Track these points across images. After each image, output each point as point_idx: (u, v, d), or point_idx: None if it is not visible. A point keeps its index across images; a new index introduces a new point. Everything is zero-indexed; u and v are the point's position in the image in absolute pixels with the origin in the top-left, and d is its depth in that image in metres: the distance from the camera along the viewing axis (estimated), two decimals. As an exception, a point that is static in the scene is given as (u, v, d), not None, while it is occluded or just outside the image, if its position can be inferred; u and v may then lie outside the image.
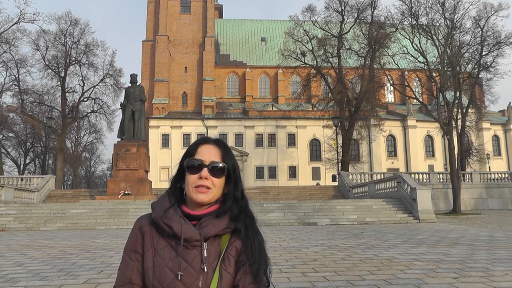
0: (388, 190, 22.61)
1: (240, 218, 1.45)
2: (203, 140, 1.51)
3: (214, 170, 1.43)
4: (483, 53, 29.73)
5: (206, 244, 1.39)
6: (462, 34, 29.84)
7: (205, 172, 1.41)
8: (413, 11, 28.13)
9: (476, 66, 30.13)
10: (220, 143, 1.50)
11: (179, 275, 1.34)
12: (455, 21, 28.62)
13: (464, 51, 29.79)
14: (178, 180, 1.50)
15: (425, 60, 27.65)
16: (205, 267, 1.36)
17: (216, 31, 62.39)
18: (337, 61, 36.62)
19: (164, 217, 1.41)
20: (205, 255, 1.37)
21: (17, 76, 42.10)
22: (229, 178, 1.48)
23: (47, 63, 43.02)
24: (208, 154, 1.44)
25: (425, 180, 29.41)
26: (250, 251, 1.42)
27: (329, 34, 36.70)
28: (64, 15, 44.56)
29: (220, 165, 1.44)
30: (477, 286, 5.53)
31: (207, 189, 1.41)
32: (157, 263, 1.39)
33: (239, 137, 52.49)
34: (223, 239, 1.43)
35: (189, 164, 1.44)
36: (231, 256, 1.41)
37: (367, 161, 50.29)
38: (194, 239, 1.37)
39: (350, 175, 31.23)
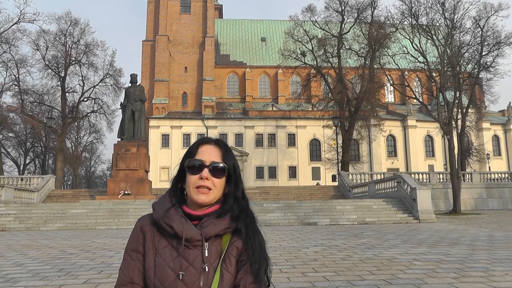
0: (388, 190, 22.61)
1: (240, 218, 1.45)
2: (203, 140, 1.51)
3: (215, 171, 1.43)
4: (483, 53, 29.74)
5: (207, 244, 1.39)
6: (462, 34, 29.86)
7: (205, 172, 1.42)
8: (413, 11, 28.14)
9: (476, 66, 30.13)
10: (220, 143, 1.50)
11: (181, 274, 1.35)
12: (455, 21, 28.62)
13: (464, 51, 29.79)
14: (179, 180, 1.50)
15: (425, 60, 27.65)
16: (207, 267, 1.37)
17: (216, 31, 62.38)
18: (337, 61, 36.62)
19: (165, 217, 1.42)
20: (206, 254, 1.38)
21: (17, 76, 42.11)
22: (230, 178, 1.49)
23: (47, 63, 43.03)
24: (209, 155, 1.45)
25: (425, 180, 29.40)
26: (250, 251, 1.42)
27: (329, 34, 36.70)
28: (64, 15, 44.61)
29: (221, 165, 1.44)
30: (477, 286, 5.53)
31: (208, 190, 1.42)
32: (158, 262, 1.39)
33: (239, 137, 52.49)
34: (224, 239, 1.44)
35: (189, 165, 1.44)
36: (232, 256, 1.41)
37: (367, 161, 50.28)
38: (195, 239, 1.38)
39: (350, 175, 31.23)
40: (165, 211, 1.43)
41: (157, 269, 1.38)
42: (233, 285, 1.40)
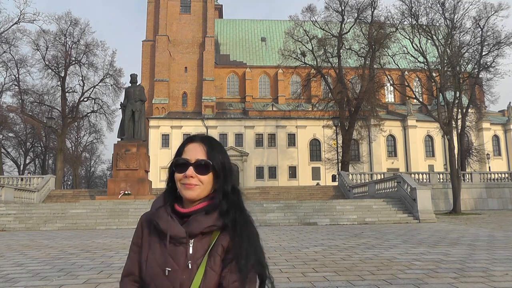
0: (388, 190, 22.61)
1: (229, 214, 1.45)
2: (190, 138, 1.54)
3: (199, 168, 1.45)
4: (483, 53, 29.72)
5: (192, 241, 1.42)
6: (462, 34, 29.85)
7: (190, 170, 1.45)
8: (413, 11, 28.13)
9: (476, 66, 30.12)
10: (205, 140, 1.52)
11: (166, 270, 1.39)
12: (455, 21, 28.62)
13: (464, 51, 29.78)
14: (172, 179, 1.54)
15: (425, 60, 27.64)
16: (190, 264, 1.39)
17: (216, 31, 62.38)
18: (337, 61, 36.60)
19: (155, 215, 1.48)
20: (191, 252, 1.40)
21: (17, 76, 42.10)
22: (219, 174, 1.50)
23: (47, 63, 43.01)
24: (194, 152, 1.48)
25: (425, 180, 29.40)
26: (237, 248, 1.42)
27: (329, 34, 36.68)
28: (64, 15, 44.63)
29: (204, 162, 1.46)
30: (477, 286, 5.53)
31: (193, 185, 1.44)
32: (149, 258, 1.45)
33: (239, 137, 52.49)
34: (213, 236, 1.45)
35: (176, 163, 1.49)
36: (217, 254, 1.42)
37: (367, 161, 50.27)
38: (180, 236, 1.41)
39: (350, 175, 31.22)
40: (156, 209, 1.49)
41: (147, 263, 1.45)
42: (218, 283, 1.40)
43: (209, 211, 1.45)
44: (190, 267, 1.38)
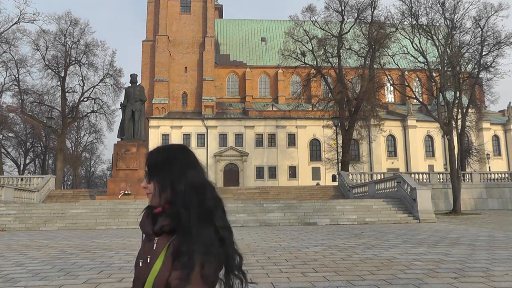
0: (388, 190, 22.61)
1: (175, 215, 1.51)
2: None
3: (146, 177, 1.63)
4: (483, 53, 29.74)
5: (156, 239, 1.54)
6: (462, 34, 29.87)
7: (143, 182, 1.64)
8: (413, 11, 28.14)
9: (476, 66, 30.14)
10: (150, 152, 1.66)
11: (140, 262, 1.56)
12: (455, 21, 28.64)
13: (464, 51, 29.79)
14: None
15: (425, 60, 27.65)
16: (149, 259, 1.52)
17: (216, 31, 62.38)
18: (337, 61, 36.59)
19: (142, 215, 1.65)
20: (154, 248, 1.53)
21: (17, 76, 42.10)
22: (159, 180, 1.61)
23: (47, 63, 43.01)
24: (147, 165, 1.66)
25: (425, 180, 29.40)
26: (181, 246, 1.46)
27: (329, 34, 36.67)
28: (64, 15, 44.57)
29: (145, 172, 1.64)
30: (477, 286, 5.53)
31: (148, 194, 1.62)
32: (139, 251, 1.63)
33: (239, 137, 52.49)
34: (173, 235, 1.53)
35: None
36: (169, 252, 1.49)
37: (367, 161, 50.25)
38: (148, 233, 1.58)
39: (350, 175, 31.22)
40: (143, 211, 1.67)
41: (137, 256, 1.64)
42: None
43: (167, 213, 1.55)
44: (149, 261, 1.52)
